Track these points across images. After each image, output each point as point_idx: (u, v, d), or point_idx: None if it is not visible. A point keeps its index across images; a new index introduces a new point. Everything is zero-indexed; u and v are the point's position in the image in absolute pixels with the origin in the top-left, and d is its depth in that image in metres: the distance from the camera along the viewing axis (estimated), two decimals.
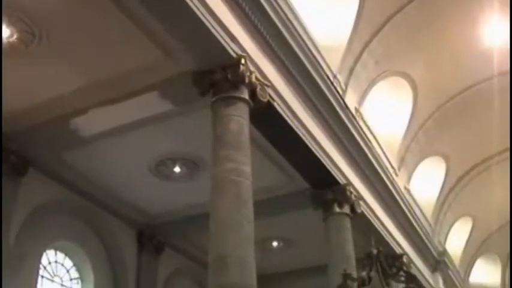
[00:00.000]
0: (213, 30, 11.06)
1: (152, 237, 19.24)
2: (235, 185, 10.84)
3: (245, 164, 11.13)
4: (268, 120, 13.31)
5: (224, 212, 10.60)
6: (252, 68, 12.08)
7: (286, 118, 13.69)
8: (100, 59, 12.24)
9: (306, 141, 14.66)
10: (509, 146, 26.14)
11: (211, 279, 10.18)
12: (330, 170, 16.01)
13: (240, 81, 11.66)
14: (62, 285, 17.31)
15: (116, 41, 11.77)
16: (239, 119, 11.50)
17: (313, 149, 15.04)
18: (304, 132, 14.55)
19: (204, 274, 10.58)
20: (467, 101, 23.85)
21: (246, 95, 11.79)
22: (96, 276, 17.89)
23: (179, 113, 13.77)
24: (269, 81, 12.86)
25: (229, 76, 11.57)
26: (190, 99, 12.60)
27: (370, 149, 18.43)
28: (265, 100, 12.46)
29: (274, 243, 20.89)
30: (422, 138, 24.13)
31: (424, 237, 24.72)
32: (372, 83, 20.16)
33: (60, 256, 17.54)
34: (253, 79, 12.03)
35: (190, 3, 10.41)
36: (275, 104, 13.12)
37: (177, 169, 16.44)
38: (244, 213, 10.76)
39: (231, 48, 11.59)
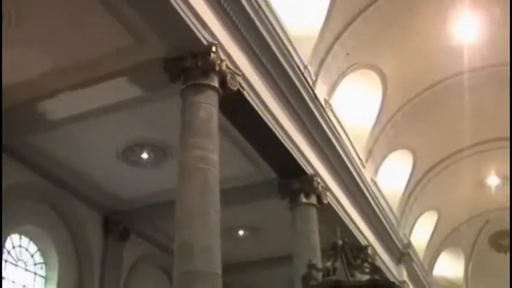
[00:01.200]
0: (184, 17, 11.02)
1: (118, 222, 19.13)
2: (202, 173, 10.84)
3: (213, 152, 11.14)
4: (237, 108, 13.32)
5: (191, 199, 10.61)
6: (222, 56, 12.06)
7: (256, 107, 13.71)
8: (70, 43, 12.11)
9: (275, 131, 14.69)
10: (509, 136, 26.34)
11: (177, 266, 10.20)
12: (298, 160, 16.05)
13: (210, 68, 11.65)
14: (25, 269, 17.15)
15: (87, 25, 11.66)
16: (208, 106, 11.50)
17: (281, 139, 15.07)
18: (273, 121, 14.57)
19: (170, 261, 10.59)
20: (436, 96, 24.02)
21: (216, 83, 11.78)
22: (60, 261, 17.74)
23: (148, 99, 13.69)
24: (239, 69, 12.87)
25: (199, 63, 11.56)
26: (160, 86, 12.56)
27: (339, 140, 18.50)
28: (235, 89, 12.47)
29: (241, 232, 20.89)
30: (390, 131, 24.26)
31: (389, 230, 24.91)
32: (342, 75, 20.22)
33: (25, 240, 17.35)
34: (224, 67, 12.02)
35: None
36: (245, 93, 13.13)
37: (145, 155, 16.35)
38: (211, 202, 10.77)
39: (203, 36, 11.57)
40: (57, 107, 13.94)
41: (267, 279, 23.57)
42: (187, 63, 11.58)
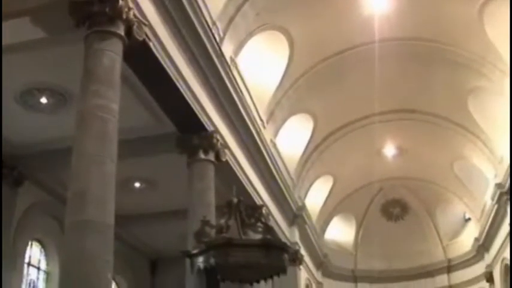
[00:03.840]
0: None
1: (13, 168, 18.66)
2: (101, 122, 10.67)
3: (114, 101, 10.97)
4: (141, 59, 13.15)
5: (88, 148, 10.44)
6: (131, 5, 11.83)
7: (160, 59, 13.56)
8: None
9: (178, 85, 14.58)
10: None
11: (69, 215, 10.05)
12: (199, 115, 16.00)
13: (117, 16, 11.41)
14: None
15: None
16: (112, 54, 11.28)
17: (183, 93, 14.97)
18: (176, 75, 14.46)
19: (63, 210, 10.40)
20: (341, 64, 24.33)
21: (121, 31, 11.56)
22: None
23: (50, 43, 13.30)
24: (147, 20, 12.67)
25: (106, 10, 11.28)
26: (64, 30, 12.17)
27: (241, 99, 18.55)
28: (141, 39, 12.29)
29: (137, 184, 20.71)
30: (293, 94, 24.46)
31: (285, 191, 25.24)
32: (251, 34, 20.21)
33: None
34: (131, 16, 11.80)
35: None
36: (150, 44, 12.96)
37: (43, 100, 15.88)
38: (108, 151, 10.64)
39: None
40: None
41: (160, 233, 23.56)
42: (94, 8, 11.27)
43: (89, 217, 9.91)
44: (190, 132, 16.32)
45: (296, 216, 27.81)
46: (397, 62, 24.50)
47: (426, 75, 25.14)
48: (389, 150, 31.85)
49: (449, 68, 24.14)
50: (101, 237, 9.98)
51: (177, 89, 14.68)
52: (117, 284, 24.41)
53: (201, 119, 16.18)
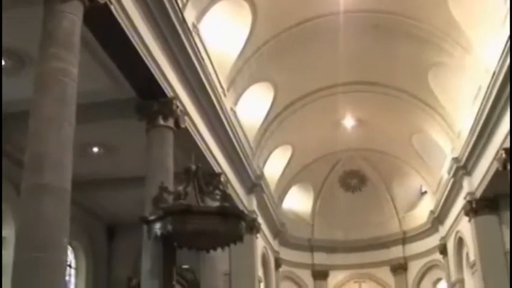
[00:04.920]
0: None
1: None
2: (60, 85, 10.56)
3: (73, 64, 10.84)
4: (102, 22, 12.97)
5: (46, 111, 10.33)
6: None
7: (122, 23, 13.39)
8: None
9: (138, 49, 14.42)
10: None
11: (25, 179, 9.98)
12: (159, 81, 15.87)
13: None
14: None
15: None
16: (72, 17, 11.13)
17: (144, 58, 14.82)
18: (137, 40, 14.31)
19: (20, 173, 10.30)
20: (304, 34, 24.25)
21: None
22: None
23: (9, 4, 13.05)
24: None
25: None
26: None
27: (202, 66, 18.45)
28: (103, 2, 12.14)
29: (95, 150, 20.55)
30: (254, 63, 24.37)
31: (243, 160, 25.27)
32: (213, 1, 20.03)
33: None
34: None
35: None
36: (112, 8, 12.77)
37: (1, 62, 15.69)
38: (67, 115, 10.54)
39: None
40: None
41: (118, 199, 23.45)
42: None
43: (46, 181, 9.86)
44: (150, 98, 16.20)
45: (254, 184, 27.89)
46: (360, 33, 24.50)
47: (388, 48, 25.21)
48: (349, 121, 31.99)
49: (412, 42, 24.21)
50: (58, 201, 9.94)
51: (138, 54, 14.54)
52: (73, 249, 24.32)
53: (161, 85, 16.06)
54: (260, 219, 29.07)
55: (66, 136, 10.41)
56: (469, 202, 26.09)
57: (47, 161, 9.95)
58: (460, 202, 27.95)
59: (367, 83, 28.14)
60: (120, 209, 23.94)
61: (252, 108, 26.72)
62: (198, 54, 17.95)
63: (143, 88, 16.04)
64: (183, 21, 16.35)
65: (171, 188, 13.90)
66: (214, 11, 20.33)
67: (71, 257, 23.99)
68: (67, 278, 22.12)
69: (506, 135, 20.31)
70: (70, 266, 23.87)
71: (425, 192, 36.33)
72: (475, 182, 25.72)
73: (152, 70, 15.37)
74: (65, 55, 10.76)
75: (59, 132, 10.27)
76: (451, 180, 28.31)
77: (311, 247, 38.32)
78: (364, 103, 29.92)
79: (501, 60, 18.84)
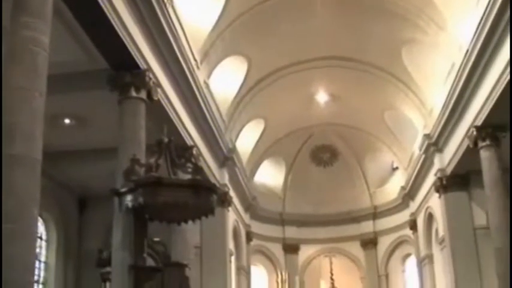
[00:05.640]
0: None
1: None
2: (31, 55, 10.43)
3: (45, 34, 10.70)
4: None
5: (16, 81, 10.20)
6: None
7: None
8: None
9: (111, 20, 14.29)
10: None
11: None
12: (132, 52, 15.75)
13: None
14: None
15: None
16: None
17: (117, 29, 14.70)
18: (111, 10, 14.17)
19: None
20: (278, 8, 24.14)
21: None
22: None
23: None
24: None
25: None
26: None
27: (176, 38, 18.34)
28: None
29: (67, 121, 20.38)
30: (228, 36, 24.24)
31: (216, 133, 25.23)
32: None
33: None
34: None
35: None
36: None
37: None
38: (38, 85, 10.43)
39: None
40: None
41: (89, 171, 23.32)
42: None
43: (17, 151, 9.78)
44: (123, 70, 16.08)
45: (226, 158, 27.88)
46: (335, 8, 24.46)
47: (363, 24, 25.19)
48: (322, 96, 31.97)
49: (387, 18, 24.21)
50: (29, 172, 9.88)
51: (111, 25, 14.42)
52: (44, 220, 24.20)
53: (134, 57, 15.95)
54: (232, 193, 29.10)
55: (38, 107, 10.30)
56: (440, 179, 26.34)
57: (18, 132, 9.85)
58: (430, 178, 28.18)
59: (341, 58, 28.14)
60: (92, 181, 23.80)
61: (225, 81, 26.64)
62: (172, 26, 17.84)
63: (116, 59, 15.93)
64: None
65: (143, 160, 13.84)
66: None
67: (41, 229, 23.87)
68: (37, 249, 22.01)
69: (478, 112, 20.47)
70: (41, 237, 23.76)
71: (397, 168, 36.52)
72: (446, 158, 25.95)
73: (125, 41, 15.26)
74: (36, 24, 10.60)
75: (31, 103, 10.16)
76: (422, 157, 28.52)
77: (282, 221, 38.46)
78: (337, 78, 29.93)
79: (474, 38, 18.93)
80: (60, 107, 17.89)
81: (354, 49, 27.25)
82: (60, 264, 24.68)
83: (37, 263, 22.79)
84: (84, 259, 24.87)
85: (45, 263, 24.27)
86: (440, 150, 26.55)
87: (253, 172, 36.12)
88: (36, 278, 22.51)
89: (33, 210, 9.87)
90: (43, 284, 23.80)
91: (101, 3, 13.65)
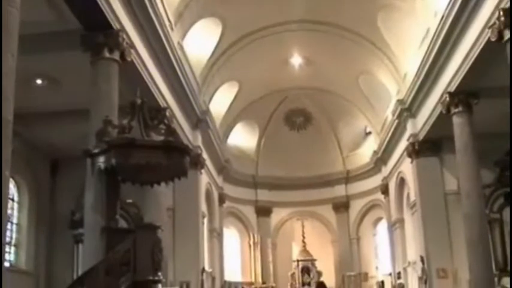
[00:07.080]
0: None
1: None
2: (2, 13, 10.23)
3: None
4: None
5: None
6: None
7: None
8: None
9: None
10: None
11: None
12: (105, 12, 15.52)
13: None
14: None
15: None
16: None
17: None
18: None
19: None
20: None
21: None
22: None
23: None
24: None
25: None
26: None
27: None
28: None
29: (38, 81, 20.14)
30: None
31: (189, 95, 25.14)
32: None
33: None
34: None
35: None
36: None
37: None
38: (9, 45, 10.20)
39: None
40: None
41: (62, 133, 23.09)
42: None
43: None
44: (96, 30, 15.87)
45: (200, 120, 27.82)
46: None
47: None
48: (297, 60, 31.95)
49: None
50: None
51: None
52: (16, 183, 24.02)
53: (107, 17, 15.73)
54: (205, 155, 29.10)
55: (9, 67, 10.10)
56: (412, 144, 26.54)
57: None
58: (403, 143, 28.37)
59: (317, 22, 28.04)
60: (64, 142, 23.60)
61: (199, 43, 26.47)
62: None
63: (88, 19, 15.70)
64: None
65: (115, 121, 13.78)
66: None
67: (13, 191, 23.71)
68: (9, 211, 21.90)
69: (451, 78, 20.56)
70: (12, 199, 23.61)
71: (370, 132, 36.74)
72: (419, 124, 26.13)
73: (98, 1, 15.04)
74: None
75: (1, 63, 9.99)
76: (395, 122, 28.69)
77: (255, 184, 38.66)
78: (312, 42, 29.89)
79: (450, 4, 18.92)
80: (32, 67, 17.65)
81: (329, 13, 27.14)
82: (32, 226, 24.55)
83: (9, 224, 22.68)
84: (57, 221, 24.79)
85: (17, 224, 24.13)
86: (413, 115, 26.71)
87: (226, 135, 36.14)
88: (8, 239, 22.46)
89: (5, 171, 9.76)
90: (15, 245, 23.69)
91: None
